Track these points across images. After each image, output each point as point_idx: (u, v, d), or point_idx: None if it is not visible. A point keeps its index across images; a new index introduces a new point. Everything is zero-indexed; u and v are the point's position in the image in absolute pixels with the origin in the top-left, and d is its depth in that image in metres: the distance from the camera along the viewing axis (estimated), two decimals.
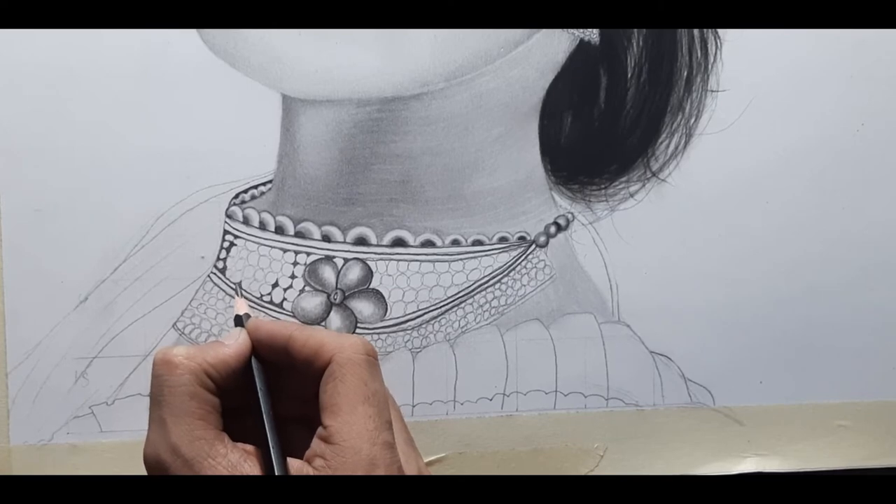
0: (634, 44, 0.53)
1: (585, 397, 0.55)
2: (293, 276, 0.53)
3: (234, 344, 0.44)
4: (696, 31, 0.53)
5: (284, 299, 0.53)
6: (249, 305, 0.52)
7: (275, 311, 0.53)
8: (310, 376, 0.43)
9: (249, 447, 0.42)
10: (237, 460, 0.40)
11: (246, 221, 0.53)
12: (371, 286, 0.53)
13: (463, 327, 0.54)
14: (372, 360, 0.43)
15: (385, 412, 0.42)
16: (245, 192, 0.52)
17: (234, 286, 0.52)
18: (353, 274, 0.53)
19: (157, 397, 0.42)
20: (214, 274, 0.52)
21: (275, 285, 0.53)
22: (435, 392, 0.54)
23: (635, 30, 0.53)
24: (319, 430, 0.41)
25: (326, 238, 0.53)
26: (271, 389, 0.45)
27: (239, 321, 0.47)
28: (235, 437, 0.42)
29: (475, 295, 0.54)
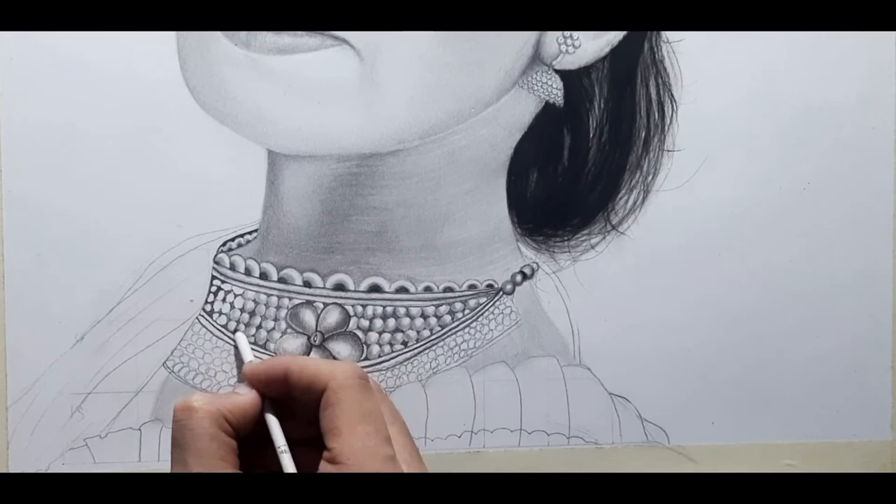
0: (596, 106, 0.56)
1: (548, 435, 0.57)
2: (276, 319, 0.55)
3: (247, 392, 0.47)
4: (653, 95, 0.56)
5: (268, 340, 0.55)
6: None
7: (259, 351, 0.55)
8: (311, 403, 0.45)
9: None
10: None
11: (233, 267, 0.55)
12: (349, 329, 0.55)
13: (434, 368, 0.56)
14: (364, 382, 0.45)
15: (382, 430, 0.43)
16: (232, 240, 0.55)
17: (232, 339, 0.55)
18: (332, 317, 0.55)
19: (179, 441, 0.44)
20: (203, 316, 0.55)
21: (259, 327, 0.55)
22: None
23: (597, 93, 0.56)
24: (325, 453, 0.43)
25: (307, 284, 0.55)
26: (282, 415, 0.47)
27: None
28: None
29: (446, 338, 0.56)
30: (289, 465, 0.45)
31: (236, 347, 0.53)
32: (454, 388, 0.56)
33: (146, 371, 0.54)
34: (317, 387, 0.45)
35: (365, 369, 0.55)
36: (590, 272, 0.57)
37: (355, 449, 0.42)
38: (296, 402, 0.47)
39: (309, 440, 0.46)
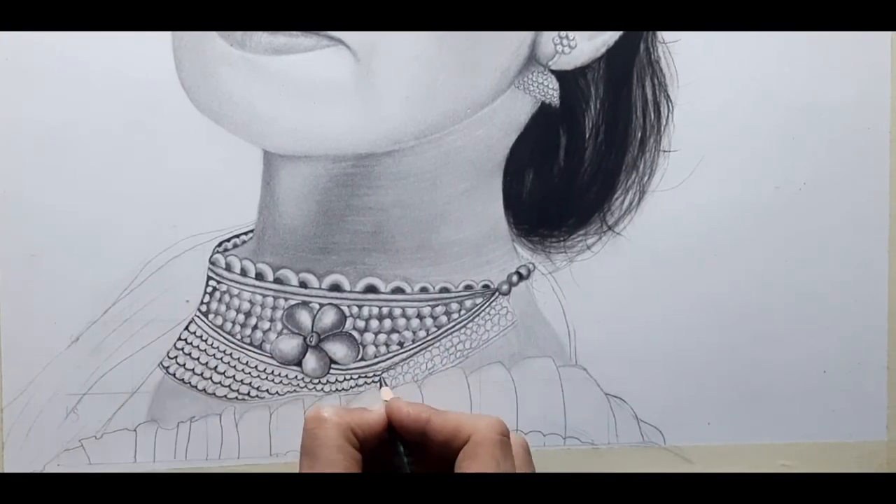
0: (592, 106, 0.56)
1: (544, 436, 0.57)
2: (272, 320, 0.55)
3: (377, 409, 0.48)
4: (649, 96, 0.56)
5: (264, 341, 0.55)
6: (235, 345, 0.55)
7: (255, 352, 0.55)
8: (447, 454, 0.46)
9: None
10: None
11: (228, 268, 0.55)
12: (345, 329, 0.56)
13: (430, 369, 0.56)
14: (505, 439, 0.45)
15: None
16: (228, 240, 0.55)
17: (379, 378, 0.55)
18: (328, 318, 0.56)
19: (309, 450, 0.45)
20: (198, 317, 0.55)
21: (255, 328, 0.55)
22: None
23: (593, 94, 0.56)
24: None
25: (303, 284, 0.55)
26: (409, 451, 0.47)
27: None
28: None
29: (442, 339, 0.56)
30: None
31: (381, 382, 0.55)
32: (450, 389, 0.56)
33: (142, 372, 0.54)
34: (458, 439, 0.46)
35: (361, 370, 0.56)
36: (586, 273, 0.57)
37: None
38: (429, 450, 0.47)
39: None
